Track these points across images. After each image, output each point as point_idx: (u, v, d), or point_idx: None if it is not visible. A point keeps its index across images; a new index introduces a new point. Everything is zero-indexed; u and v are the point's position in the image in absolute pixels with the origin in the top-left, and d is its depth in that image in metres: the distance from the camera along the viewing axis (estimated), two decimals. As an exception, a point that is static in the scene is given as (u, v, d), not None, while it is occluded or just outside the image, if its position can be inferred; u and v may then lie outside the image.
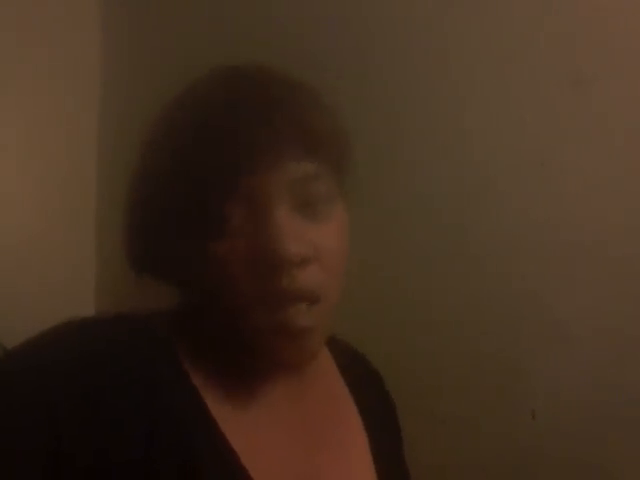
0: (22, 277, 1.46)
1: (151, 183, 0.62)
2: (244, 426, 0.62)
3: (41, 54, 1.52)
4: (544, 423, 1.10)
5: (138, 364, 0.59)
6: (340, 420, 0.71)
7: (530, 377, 1.11)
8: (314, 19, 1.31)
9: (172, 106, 0.63)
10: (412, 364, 1.18)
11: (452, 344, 1.18)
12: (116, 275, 1.34)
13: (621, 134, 1.06)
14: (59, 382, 0.55)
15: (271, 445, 0.63)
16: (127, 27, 1.61)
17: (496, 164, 1.15)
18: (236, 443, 0.60)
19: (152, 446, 0.55)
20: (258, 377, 0.65)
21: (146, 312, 0.65)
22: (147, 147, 0.64)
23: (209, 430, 0.59)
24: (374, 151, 1.18)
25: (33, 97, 1.52)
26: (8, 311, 1.35)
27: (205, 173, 0.57)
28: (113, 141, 1.59)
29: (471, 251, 1.17)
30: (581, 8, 1.08)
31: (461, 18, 1.18)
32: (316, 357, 0.64)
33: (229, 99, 0.59)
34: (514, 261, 1.13)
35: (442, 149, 1.20)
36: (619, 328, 1.05)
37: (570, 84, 1.09)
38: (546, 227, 1.11)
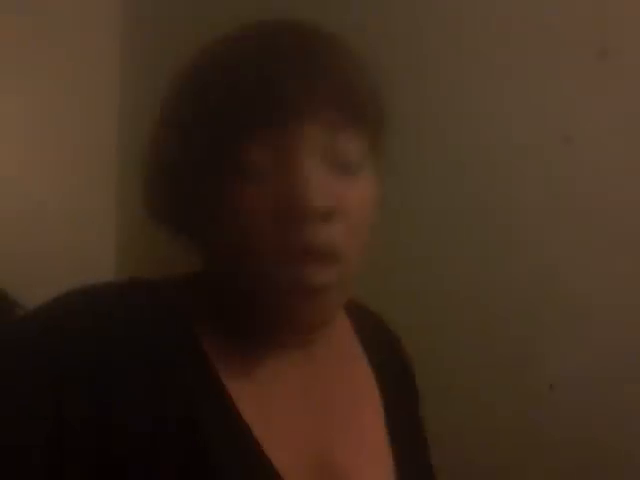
0: (44, 241, 1.48)
1: (173, 130, 0.60)
2: (256, 395, 0.61)
3: (59, 33, 1.52)
4: (561, 397, 1.10)
5: (150, 333, 0.58)
6: (354, 385, 0.70)
7: (549, 353, 1.11)
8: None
9: (202, 54, 0.61)
10: (430, 339, 1.18)
11: (471, 319, 1.18)
12: (136, 236, 1.34)
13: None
14: (69, 348, 0.54)
15: (284, 414, 0.62)
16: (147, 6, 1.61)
17: (518, 138, 1.13)
18: (248, 414, 0.59)
19: (161, 419, 0.54)
20: (271, 344, 0.63)
21: (160, 278, 0.64)
22: (172, 93, 0.61)
23: (221, 401, 0.58)
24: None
25: (53, 65, 1.52)
26: (28, 275, 1.37)
27: (234, 119, 0.55)
28: (134, 108, 1.59)
29: (491, 226, 1.16)
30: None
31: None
32: (334, 318, 0.62)
33: (263, 48, 0.57)
34: (534, 236, 1.13)
35: (462, 121, 1.18)
36: (638, 309, 1.05)
37: (595, 55, 1.06)
38: (567, 204, 1.10)
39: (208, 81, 0.58)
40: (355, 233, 0.58)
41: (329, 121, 0.56)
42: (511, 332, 1.14)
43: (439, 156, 1.20)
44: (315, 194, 0.54)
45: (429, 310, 1.20)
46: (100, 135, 1.60)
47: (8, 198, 1.45)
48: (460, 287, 1.19)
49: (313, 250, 0.55)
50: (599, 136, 1.07)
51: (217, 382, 0.59)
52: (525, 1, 1.12)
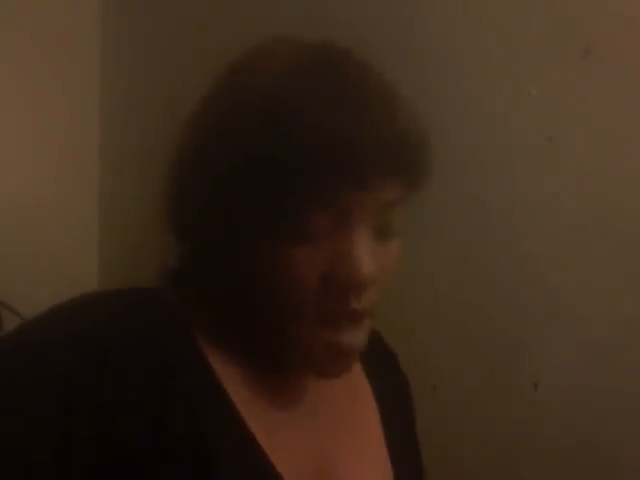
0: (25, 243, 1.47)
1: (217, 184, 0.56)
2: (261, 408, 0.61)
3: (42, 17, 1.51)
4: (545, 395, 1.11)
5: (154, 345, 0.57)
6: (355, 399, 0.71)
7: (533, 351, 1.12)
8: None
9: (247, 98, 0.55)
10: (415, 337, 1.18)
11: (456, 317, 1.18)
12: (119, 236, 1.33)
13: (632, 107, 1.03)
14: (73, 357, 0.54)
15: (287, 427, 0.62)
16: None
17: (502, 138, 1.13)
18: (253, 425, 0.59)
19: (165, 429, 0.54)
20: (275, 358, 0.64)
21: (158, 287, 0.63)
22: (209, 139, 0.57)
23: (226, 412, 0.58)
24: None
25: (35, 58, 1.51)
26: (9, 275, 1.36)
27: (302, 179, 0.52)
28: (117, 106, 1.57)
29: (476, 226, 1.16)
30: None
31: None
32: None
33: (328, 98, 0.53)
34: (519, 236, 1.13)
35: (447, 121, 1.18)
36: (622, 307, 1.05)
37: (579, 54, 1.06)
38: (552, 205, 1.10)
39: (266, 137, 0.53)
40: (383, 287, 0.59)
41: (391, 189, 0.55)
42: (495, 331, 1.15)
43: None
44: (368, 266, 0.54)
45: (414, 309, 1.20)
46: (82, 135, 1.57)
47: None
48: (445, 286, 1.19)
49: (356, 315, 0.57)
50: (583, 136, 1.07)
51: (221, 393, 0.59)
52: (509, 1, 1.12)
